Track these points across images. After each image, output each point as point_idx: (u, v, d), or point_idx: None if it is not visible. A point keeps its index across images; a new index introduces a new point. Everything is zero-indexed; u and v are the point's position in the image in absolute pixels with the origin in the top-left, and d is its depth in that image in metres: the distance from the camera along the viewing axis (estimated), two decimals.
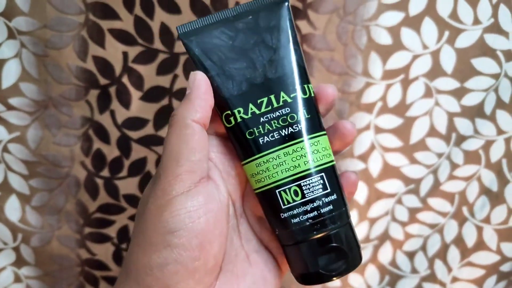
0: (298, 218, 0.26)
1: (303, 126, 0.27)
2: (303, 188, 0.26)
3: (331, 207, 0.26)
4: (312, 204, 0.26)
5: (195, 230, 0.24)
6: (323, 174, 0.27)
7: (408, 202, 0.44)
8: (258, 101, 0.27)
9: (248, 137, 0.27)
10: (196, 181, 0.25)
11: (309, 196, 0.26)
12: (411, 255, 0.46)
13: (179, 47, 0.39)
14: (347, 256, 0.27)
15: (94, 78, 0.40)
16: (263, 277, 0.28)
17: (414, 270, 0.46)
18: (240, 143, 0.27)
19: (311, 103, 0.27)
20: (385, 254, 0.46)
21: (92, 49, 0.39)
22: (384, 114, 0.41)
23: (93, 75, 0.40)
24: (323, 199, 0.26)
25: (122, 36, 0.39)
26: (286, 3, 0.28)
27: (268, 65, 0.27)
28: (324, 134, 0.28)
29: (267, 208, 0.27)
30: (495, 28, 0.39)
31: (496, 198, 0.44)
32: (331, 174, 0.27)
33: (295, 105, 0.27)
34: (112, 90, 0.40)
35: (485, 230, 0.45)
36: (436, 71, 0.40)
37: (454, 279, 0.46)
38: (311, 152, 0.27)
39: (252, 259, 0.28)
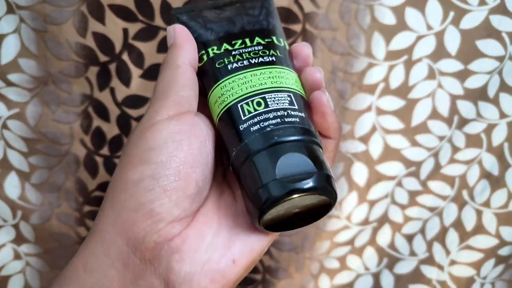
0: (258, 125, 0.24)
1: (275, 59, 0.26)
2: (268, 100, 0.25)
3: (297, 119, 0.24)
4: (275, 112, 0.24)
5: (177, 150, 0.23)
6: (291, 94, 0.25)
7: (408, 185, 0.44)
8: (233, 41, 0.27)
9: (217, 66, 0.26)
10: (183, 111, 0.24)
11: (273, 107, 0.24)
12: (410, 238, 0.46)
13: None
14: (314, 172, 0.23)
15: (94, 54, 0.39)
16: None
17: (412, 253, 0.47)
18: (209, 75, 0.27)
19: (284, 51, 0.27)
20: (384, 236, 0.46)
21: (92, 25, 0.38)
22: (386, 96, 0.41)
23: (92, 51, 0.39)
24: (288, 111, 0.24)
25: (122, 12, 0.38)
26: None
27: (247, 23, 0.28)
28: (296, 74, 0.27)
29: (226, 128, 0.25)
30: (501, 9, 0.38)
31: (496, 182, 0.44)
32: (300, 99, 0.26)
33: (268, 45, 0.27)
34: (112, 67, 0.40)
35: (484, 214, 0.45)
36: (440, 53, 0.39)
37: (452, 262, 0.47)
38: (280, 76, 0.26)
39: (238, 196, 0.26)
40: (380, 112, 0.41)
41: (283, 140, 0.24)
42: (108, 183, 0.43)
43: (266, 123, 0.24)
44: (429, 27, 0.39)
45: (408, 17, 0.38)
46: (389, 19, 0.38)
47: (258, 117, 0.24)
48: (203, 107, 0.26)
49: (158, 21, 0.39)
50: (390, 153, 0.42)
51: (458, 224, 0.45)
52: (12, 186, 0.44)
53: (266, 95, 0.25)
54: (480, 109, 0.41)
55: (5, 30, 0.38)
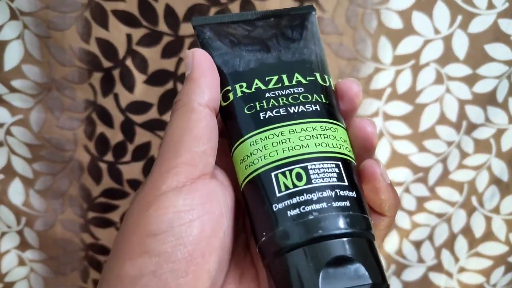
0: (297, 210, 0.19)
1: (319, 108, 0.21)
2: (310, 171, 0.19)
3: (348, 203, 0.19)
4: (320, 193, 0.19)
5: (185, 235, 0.19)
6: (339, 163, 0.20)
7: (416, 190, 0.43)
8: (267, 78, 0.22)
9: (246, 112, 0.21)
10: (195, 177, 0.20)
11: (318, 183, 0.19)
12: (417, 245, 0.45)
13: (184, 29, 0.38)
14: (368, 284, 0.18)
15: (98, 60, 0.39)
16: None
17: (420, 260, 0.46)
18: (235, 122, 0.21)
19: (330, 93, 0.23)
20: (392, 243, 0.45)
21: (96, 31, 0.38)
22: (393, 101, 0.40)
23: (96, 57, 0.39)
24: (337, 190, 0.19)
25: (126, 18, 0.38)
26: (313, 12, 0.25)
27: (285, 50, 0.23)
28: (345, 129, 0.22)
29: (254, 201, 0.20)
30: (510, 13, 0.37)
31: (506, 188, 0.43)
32: (350, 168, 0.20)
33: (310, 87, 0.22)
34: (116, 73, 0.40)
35: (494, 220, 0.44)
36: (447, 57, 0.39)
37: (461, 269, 0.46)
38: (326, 135, 0.20)
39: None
40: (387, 117, 0.41)
41: (329, 235, 0.18)
42: (112, 190, 0.43)
43: (308, 208, 0.19)
44: (437, 31, 0.38)
45: (415, 21, 0.38)
46: (396, 23, 0.38)
47: (297, 197, 0.19)
48: (223, 153, 0.22)
49: (162, 26, 0.38)
50: (397, 159, 0.42)
51: (467, 231, 0.45)
52: (16, 192, 0.43)
53: (309, 164, 0.19)
54: (489, 114, 0.41)
55: (8, 36, 0.38)
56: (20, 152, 0.42)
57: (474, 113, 0.41)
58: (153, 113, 0.41)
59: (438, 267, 0.46)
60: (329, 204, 0.19)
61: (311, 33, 0.24)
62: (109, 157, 0.42)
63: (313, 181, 0.19)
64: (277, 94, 0.22)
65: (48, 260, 0.46)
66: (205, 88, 0.21)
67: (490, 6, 0.37)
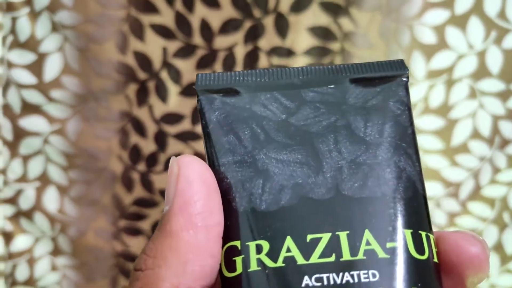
0: None
1: None
2: None
3: None
4: None
5: None
6: None
7: (447, 205, 0.43)
8: (309, 236, 0.12)
9: None
10: None
11: None
12: None
13: (218, 43, 0.39)
14: None
15: (134, 72, 0.40)
16: None
17: None
18: None
19: (430, 273, 0.13)
20: None
21: (133, 44, 0.39)
22: (426, 115, 0.40)
23: (132, 69, 0.40)
24: None
25: (162, 31, 0.39)
26: (405, 78, 0.15)
27: (349, 170, 0.13)
28: None
29: None
30: None
31: None
32: None
33: (392, 268, 0.12)
34: (151, 84, 0.40)
35: None
36: (481, 72, 0.39)
37: (492, 286, 0.45)
38: None
39: None
40: (419, 131, 0.41)
41: None
42: (143, 199, 0.44)
43: None
44: (471, 46, 0.38)
45: (449, 36, 0.38)
46: (429, 38, 0.38)
47: None
48: None
49: (197, 39, 0.39)
50: (429, 173, 0.42)
51: (498, 247, 0.44)
52: (52, 199, 0.45)
53: None
54: None
55: (49, 49, 0.39)
56: (56, 160, 0.43)
57: (507, 128, 0.40)
58: (186, 124, 0.42)
59: None
60: None
61: (400, 128, 0.13)
62: (142, 166, 0.43)
63: None
64: (325, 282, 0.12)
65: (80, 266, 0.47)
66: (190, 253, 0.12)
67: None
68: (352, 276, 0.11)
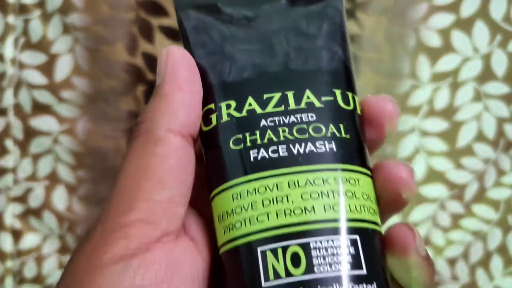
0: None
1: (335, 147, 0.15)
2: (313, 252, 0.13)
3: None
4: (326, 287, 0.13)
5: None
6: (357, 237, 0.14)
7: (451, 207, 0.43)
8: (265, 95, 0.16)
9: (231, 147, 0.16)
10: (153, 239, 0.14)
11: (321, 272, 0.13)
12: (451, 262, 0.45)
13: None
14: None
15: (142, 73, 0.41)
16: None
17: (454, 277, 0.46)
18: (217, 158, 0.16)
19: (354, 121, 0.17)
20: None
21: (142, 45, 0.40)
22: (430, 118, 0.40)
23: (141, 70, 0.41)
24: (350, 285, 0.13)
25: (170, 33, 0.39)
26: None
27: (295, 52, 0.17)
28: (369, 176, 0.16)
29: (231, 282, 0.15)
30: None
31: None
32: (372, 244, 0.15)
33: (326, 113, 0.16)
34: None
35: None
36: (486, 75, 0.39)
37: None
38: (342, 192, 0.15)
39: None
40: (423, 134, 0.41)
41: None
42: None
43: None
44: (476, 50, 0.38)
45: (454, 39, 0.38)
46: (434, 41, 0.38)
47: None
48: (204, 182, 0.16)
49: None
50: (433, 175, 0.42)
51: (502, 250, 0.44)
52: (60, 198, 0.45)
53: (312, 241, 0.13)
54: None
55: (60, 50, 0.40)
56: (65, 160, 0.44)
57: None
58: None
59: (472, 285, 0.46)
60: None
61: (334, 26, 0.17)
62: None
63: (315, 268, 0.13)
64: (277, 122, 0.15)
65: None
66: (180, 108, 0.16)
67: None
68: (296, 117, 0.16)
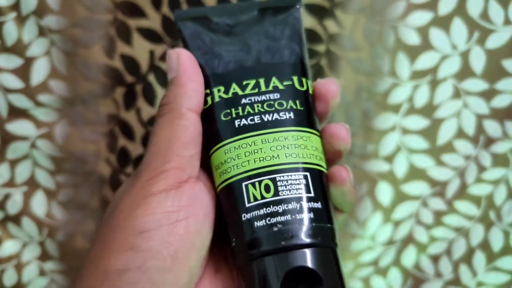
0: (263, 221, 0.20)
1: (293, 115, 0.22)
2: (278, 183, 0.21)
3: (311, 215, 0.20)
4: (286, 205, 0.20)
5: (171, 234, 0.20)
6: (307, 174, 0.21)
7: (433, 204, 0.43)
8: (244, 82, 0.23)
9: (222, 118, 0.22)
10: (183, 180, 0.21)
11: (284, 195, 0.20)
12: (435, 259, 0.45)
13: None
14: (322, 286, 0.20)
15: (121, 76, 0.40)
16: None
17: (438, 274, 0.46)
18: (213, 127, 0.23)
19: (307, 98, 0.23)
20: (409, 257, 0.45)
21: (120, 47, 0.39)
22: (411, 115, 0.41)
23: (120, 73, 0.40)
24: (302, 202, 0.20)
25: (149, 35, 0.39)
26: (298, 6, 0.25)
27: (265, 51, 0.23)
28: (318, 136, 0.23)
29: (227, 208, 0.22)
30: None
31: None
32: (318, 178, 0.22)
33: (287, 93, 0.22)
34: (138, 88, 0.41)
35: None
36: (465, 72, 0.39)
37: (479, 284, 0.46)
38: (297, 145, 0.21)
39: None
40: (404, 131, 0.41)
41: (291, 246, 0.20)
42: None
43: (273, 220, 0.20)
44: (454, 47, 0.39)
45: (433, 37, 0.38)
46: (413, 39, 0.38)
47: (264, 209, 0.20)
48: (206, 153, 0.23)
49: None
50: (414, 173, 0.42)
51: (485, 245, 0.45)
52: (39, 203, 0.44)
53: (278, 176, 0.21)
54: (507, 128, 0.41)
55: (36, 53, 0.39)
56: (44, 165, 0.43)
57: (492, 127, 0.41)
58: None
59: (456, 282, 0.46)
60: (294, 216, 0.20)
61: (293, 30, 0.24)
62: (130, 169, 0.43)
63: (280, 193, 0.20)
64: (253, 100, 0.22)
65: (68, 270, 0.47)
66: (193, 93, 0.22)
67: (507, 22, 0.38)
68: (266, 96, 0.22)
